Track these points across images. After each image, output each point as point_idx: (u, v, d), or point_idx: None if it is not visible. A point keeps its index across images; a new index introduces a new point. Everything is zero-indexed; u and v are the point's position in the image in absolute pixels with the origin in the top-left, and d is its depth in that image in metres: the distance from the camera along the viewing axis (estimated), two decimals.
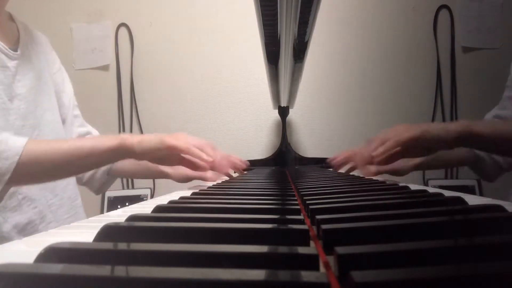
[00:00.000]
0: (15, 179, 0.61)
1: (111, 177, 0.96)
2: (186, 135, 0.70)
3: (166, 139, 0.66)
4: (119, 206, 1.42)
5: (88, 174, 0.91)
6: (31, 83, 0.76)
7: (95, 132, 0.99)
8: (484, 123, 0.65)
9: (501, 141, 0.62)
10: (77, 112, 0.95)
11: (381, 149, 0.64)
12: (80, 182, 0.92)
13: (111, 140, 0.66)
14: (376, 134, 0.79)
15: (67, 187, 0.83)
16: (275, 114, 1.50)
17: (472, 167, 0.94)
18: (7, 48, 0.72)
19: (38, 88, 0.78)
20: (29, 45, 0.79)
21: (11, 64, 0.72)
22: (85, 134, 0.95)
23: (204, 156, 0.67)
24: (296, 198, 0.45)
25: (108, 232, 0.26)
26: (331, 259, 0.21)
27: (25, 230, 0.72)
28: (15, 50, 0.74)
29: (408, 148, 0.64)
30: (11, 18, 0.79)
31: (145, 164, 0.93)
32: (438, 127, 0.63)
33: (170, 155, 0.68)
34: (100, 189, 0.96)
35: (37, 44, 0.82)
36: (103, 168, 0.93)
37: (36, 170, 0.62)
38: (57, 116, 0.84)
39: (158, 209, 0.38)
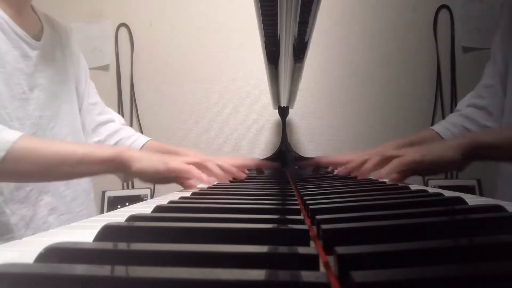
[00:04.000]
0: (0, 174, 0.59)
1: None
2: (183, 157, 0.68)
3: (169, 161, 0.64)
4: (119, 206, 1.42)
5: None
6: (52, 74, 0.75)
7: (119, 119, 0.96)
8: (489, 132, 0.63)
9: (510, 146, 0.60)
10: (95, 100, 0.92)
11: (386, 170, 0.62)
12: None
13: (107, 150, 0.64)
14: (375, 146, 0.77)
15: (82, 180, 0.82)
16: (275, 114, 1.50)
17: None
18: (29, 37, 0.71)
19: (58, 79, 0.77)
20: (51, 36, 0.78)
21: (33, 53, 0.72)
22: (106, 122, 0.92)
23: (204, 178, 0.65)
24: (296, 198, 0.45)
25: (108, 232, 0.26)
26: (331, 259, 0.21)
27: (32, 222, 0.71)
28: (38, 40, 0.74)
29: (413, 169, 0.62)
30: (32, 9, 0.78)
31: (173, 151, 0.88)
32: (441, 147, 0.61)
33: (168, 177, 0.67)
34: (126, 178, 0.92)
35: (59, 35, 0.82)
36: None
37: (23, 168, 0.59)
38: (75, 107, 0.83)
39: (158, 209, 0.38)
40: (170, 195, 0.60)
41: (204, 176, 0.65)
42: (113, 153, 0.63)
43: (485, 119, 0.87)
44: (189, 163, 0.66)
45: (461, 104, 0.95)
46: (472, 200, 0.38)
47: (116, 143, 0.91)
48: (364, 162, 0.70)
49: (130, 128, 0.97)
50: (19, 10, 0.72)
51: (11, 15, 0.70)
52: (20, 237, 0.73)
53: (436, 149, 0.62)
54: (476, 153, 0.60)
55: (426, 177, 1.43)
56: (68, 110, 0.80)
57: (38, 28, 0.77)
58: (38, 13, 0.79)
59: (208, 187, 0.66)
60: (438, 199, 0.39)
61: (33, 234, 0.73)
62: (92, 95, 0.92)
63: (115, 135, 0.92)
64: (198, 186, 0.70)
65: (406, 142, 0.89)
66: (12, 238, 0.68)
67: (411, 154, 0.61)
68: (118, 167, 0.64)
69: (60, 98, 0.77)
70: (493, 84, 0.87)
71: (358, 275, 0.15)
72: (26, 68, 0.70)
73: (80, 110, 0.87)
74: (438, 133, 0.90)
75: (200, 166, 0.68)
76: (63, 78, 0.79)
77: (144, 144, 0.92)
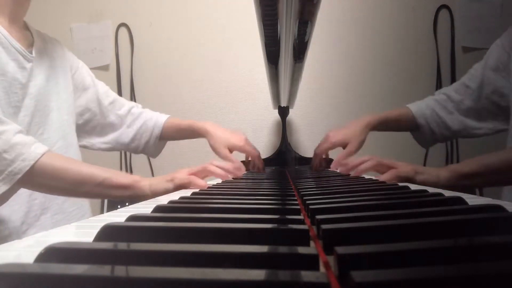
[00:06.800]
0: (26, 182, 0.65)
1: (163, 142, 1.05)
2: (187, 168, 0.75)
3: (174, 179, 0.71)
4: (119, 206, 1.41)
5: (143, 143, 1.00)
6: (41, 84, 0.81)
7: (136, 104, 1.04)
8: (470, 162, 0.70)
9: (490, 173, 0.68)
10: (112, 98, 1.01)
11: (382, 179, 0.68)
12: (136, 151, 1.03)
13: (124, 178, 0.72)
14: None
15: None
16: (275, 114, 1.50)
17: (413, 134, 1.06)
18: (25, 50, 0.77)
19: (46, 88, 0.83)
20: (42, 49, 0.84)
21: (28, 65, 0.78)
22: (128, 111, 1.01)
23: (204, 185, 0.70)
24: (296, 198, 0.45)
25: (108, 232, 0.26)
26: (331, 259, 0.21)
27: (28, 218, 0.76)
28: (31, 53, 0.80)
29: (404, 181, 0.68)
30: (26, 26, 0.85)
31: (189, 126, 0.99)
32: (430, 173, 0.69)
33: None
34: (155, 153, 1.06)
35: (51, 48, 0.88)
36: (155, 135, 1.01)
37: (47, 181, 0.66)
38: (65, 115, 0.88)
39: (158, 209, 0.38)
40: (170, 195, 0.60)
41: (204, 183, 0.71)
42: (130, 182, 0.71)
43: (452, 111, 0.97)
44: (192, 173, 0.73)
45: (432, 97, 1.03)
46: (472, 200, 0.38)
47: (140, 127, 1.00)
48: (361, 162, 0.76)
49: (148, 109, 1.05)
50: (12, 22, 0.77)
51: (5, 27, 0.75)
52: (13, 229, 0.76)
53: (428, 172, 0.69)
54: (459, 181, 0.68)
55: None
56: (57, 117, 0.85)
57: (30, 42, 0.82)
58: (31, 30, 0.85)
59: (208, 187, 0.67)
60: (438, 199, 0.39)
61: (27, 229, 0.77)
62: (107, 95, 1.00)
63: (137, 121, 1.01)
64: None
65: (382, 117, 0.99)
66: (5, 229, 0.72)
67: (406, 169, 0.69)
68: (133, 194, 0.71)
69: (49, 106, 0.83)
70: (472, 87, 0.95)
71: (358, 275, 0.15)
72: (22, 78, 0.76)
73: (96, 114, 0.96)
74: (413, 113, 1.00)
75: (203, 171, 0.75)
76: (51, 88, 0.84)
77: (164, 122, 1.02)
